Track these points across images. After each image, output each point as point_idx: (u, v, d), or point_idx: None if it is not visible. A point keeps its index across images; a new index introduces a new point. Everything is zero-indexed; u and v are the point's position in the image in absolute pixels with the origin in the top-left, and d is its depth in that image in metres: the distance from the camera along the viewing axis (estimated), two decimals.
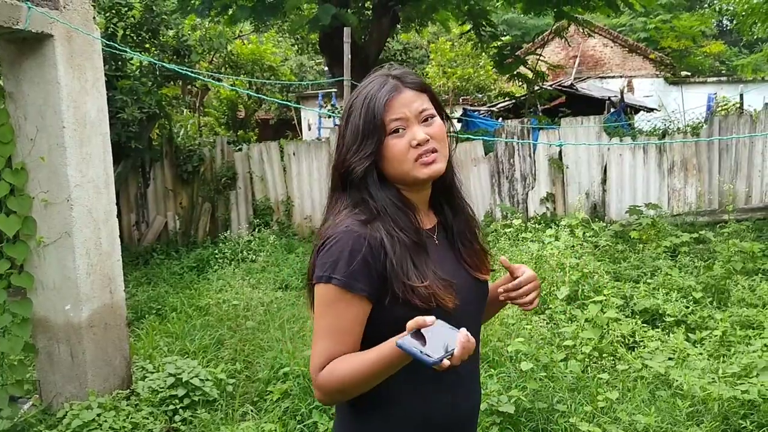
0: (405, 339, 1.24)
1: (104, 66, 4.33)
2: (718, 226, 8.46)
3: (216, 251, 8.62)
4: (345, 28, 7.85)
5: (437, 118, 1.47)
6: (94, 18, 4.13)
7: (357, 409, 1.48)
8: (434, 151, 1.44)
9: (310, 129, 18.10)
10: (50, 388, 4.07)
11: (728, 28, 29.22)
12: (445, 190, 1.56)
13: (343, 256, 1.36)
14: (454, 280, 1.45)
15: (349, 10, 10.75)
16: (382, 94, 1.43)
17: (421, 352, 1.22)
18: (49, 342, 4.03)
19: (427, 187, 1.52)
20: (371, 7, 12.53)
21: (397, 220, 1.43)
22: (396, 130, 1.42)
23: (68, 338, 3.98)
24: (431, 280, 1.40)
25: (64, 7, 3.87)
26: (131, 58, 8.73)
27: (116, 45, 6.69)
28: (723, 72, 22.92)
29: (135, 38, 9.00)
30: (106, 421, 3.73)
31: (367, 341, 1.40)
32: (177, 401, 4.14)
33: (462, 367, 1.44)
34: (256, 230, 9.47)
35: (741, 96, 14.32)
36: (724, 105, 14.91)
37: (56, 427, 3.74)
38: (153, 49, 9.20)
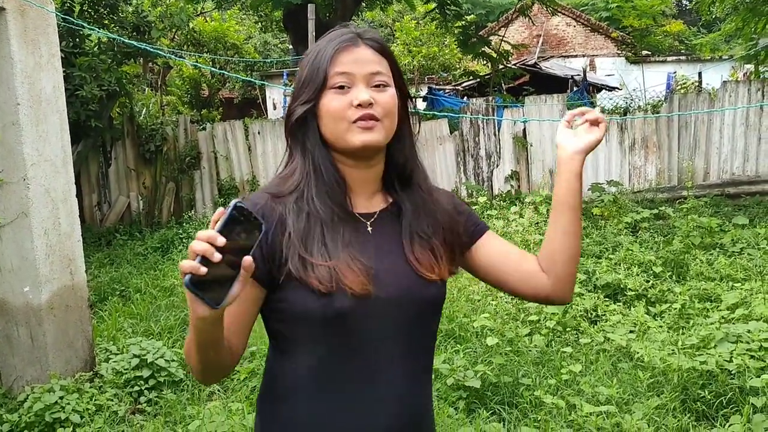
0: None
1: (61, 43, 4.21)
2: (677, 202, 8.64)
3: (181, 231, 8.52)
4: (309, 6, 7.76)
5: (391, 90, 1.30)
6: None
7: (259, 400, 1.37)
8: (376, 119, 1.26)
9: (275, 108, 17.89)
10: (10, 372, 3.99)
11: (687, 7, 29.62)
12: (400, 176, 1.35)
13: None
14: (377, 266, 1.25)
15: None
16: (333, 44, 1.28)
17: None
18: (7, 325, 3.94)
19: (372, 165, 1.32)
20: None
21: (320, 189, 1.27)
22: (341, 87, 1.26)
23: (28, 321, 3.90)
24: (341, 260, 1.22)
25: None
26: (89, 35, 8.51)
27: (73, 19, 6.50)
28: (682, 51, 23.26)
29: (93, 14, 8.76)
30: (69, 403, 3.67)
31: (275, 330, 1.29)
32: (142, 382, 4.10)
33: (382, 376, 1.26)
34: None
35: (699, 74, 14.56)
36: (684, 83, 15.17)
37: (17, 411, 3.67)
38: (112, 25, 8.97)
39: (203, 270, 0.98)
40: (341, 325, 1.22)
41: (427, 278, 1.28)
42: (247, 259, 1.03)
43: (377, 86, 1.27)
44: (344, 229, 1.26)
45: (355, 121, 1.24)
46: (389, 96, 1.28)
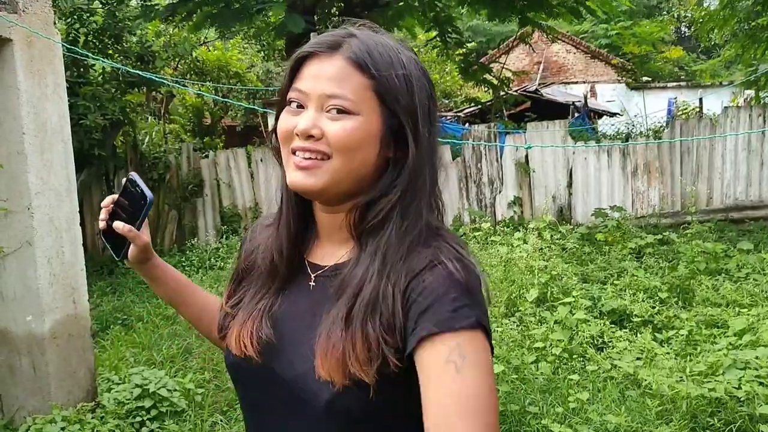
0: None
1: (66, 72, 4.24)
2: (681, 227, 8.62)
3: (183, 259, 8.51)
4: (312, 35, 7.83)
5: (351, 120, 0.96)
6: (54, 23, 4.04)
7: None
8: (319, 156, 0.96)
9: None
10: (12, 402, 3.95)
11: (686, 34, 29.92)
12: (363, 227, 1.01)
13: None
14: (282, 333, 1.01)
15: (315, 17, 10.72)
16: (304, 49, 1.01)
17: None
18: (10, 354, 3.91)
19: (336, 210, 1.03)
20: (337, 14, 12.53)
21: (277, 228, 1.07)
22: (298, 105, 0.99)
23: (30, 350, 3.87)
24: (241, 311, 1.06)
25: (24, 11, 3.78)
26: (94, 64, 8.59)
27: (77, 50, 6.56)
28: (682, 77, 23.45)
29: (97, 44, 8.85)
30: None
31: None
32: (144, 413, 4.05)
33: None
34: (224, 237, 9.36)
35: (700, 100, 14.63)
36: (684, 109, 15.24)
37: None
38: (116, 55, 9.06)
39: (102, 224, 1.21)
40: (237, 385, 1.10)
41: (318, 375, 0.94)
42: (117, 224, 1.16)
43: (331, 111, 0.96)
44: (278, 278, 1.06)
45: (294, 152, 0.98)
46: (343, 128, 0.95)
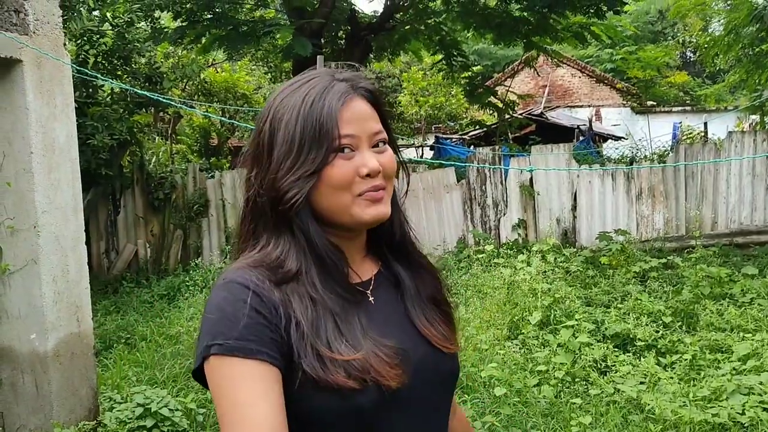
0: None
1: (75, 93, 4.30)
2: (685, 251, 8.60)
3: (187, 279, 8.52)
4: (318, 57, 7.90)
5: (389, 147, 1.10)
6: (64, 44, 4.10)
7: None
8: (382, 188, 1.07)
9: None
10: (14, 420, 3.95)
11: (691, 59, 30.07)
12: (392, 239, 1.17)
13: (224, 315, 0.98)
14: (404, 346, 1.06)
15: (322, 40, 10.85)
16: (332, 96, 1.04)
17: None
18: (13, 372, 3.92)
19: (363, 232, 1.14)
20: (344, 36, 12.67)
21: (323, 273, 1.05)
22: (342, 149, 1.04)
23: (33, 368, 3.87)
24: (368, 348, 1.00)
25: (34, 33, 3.85)
26: (102, 85, 8.69)
27: (87, 71, 6.65)
28: (687, 102, 23.51)
29: (106, 65, 8.96)
30: None
31: None
32: None
33: None
34: (228, 257, 9.37)
35: (705, 125, 14.66)
36: (689, 133, 15.27)
37: None
38: (125, 76, 9.17)
39: None
40: (354, 425, 1.00)
41: (445, 351, 1.12)
42: None
43: (377, 146, 1.08)
44: (357, 312, 1.06)
45: (361, 194, 1.05)
46: (391, 157, 1.09)
